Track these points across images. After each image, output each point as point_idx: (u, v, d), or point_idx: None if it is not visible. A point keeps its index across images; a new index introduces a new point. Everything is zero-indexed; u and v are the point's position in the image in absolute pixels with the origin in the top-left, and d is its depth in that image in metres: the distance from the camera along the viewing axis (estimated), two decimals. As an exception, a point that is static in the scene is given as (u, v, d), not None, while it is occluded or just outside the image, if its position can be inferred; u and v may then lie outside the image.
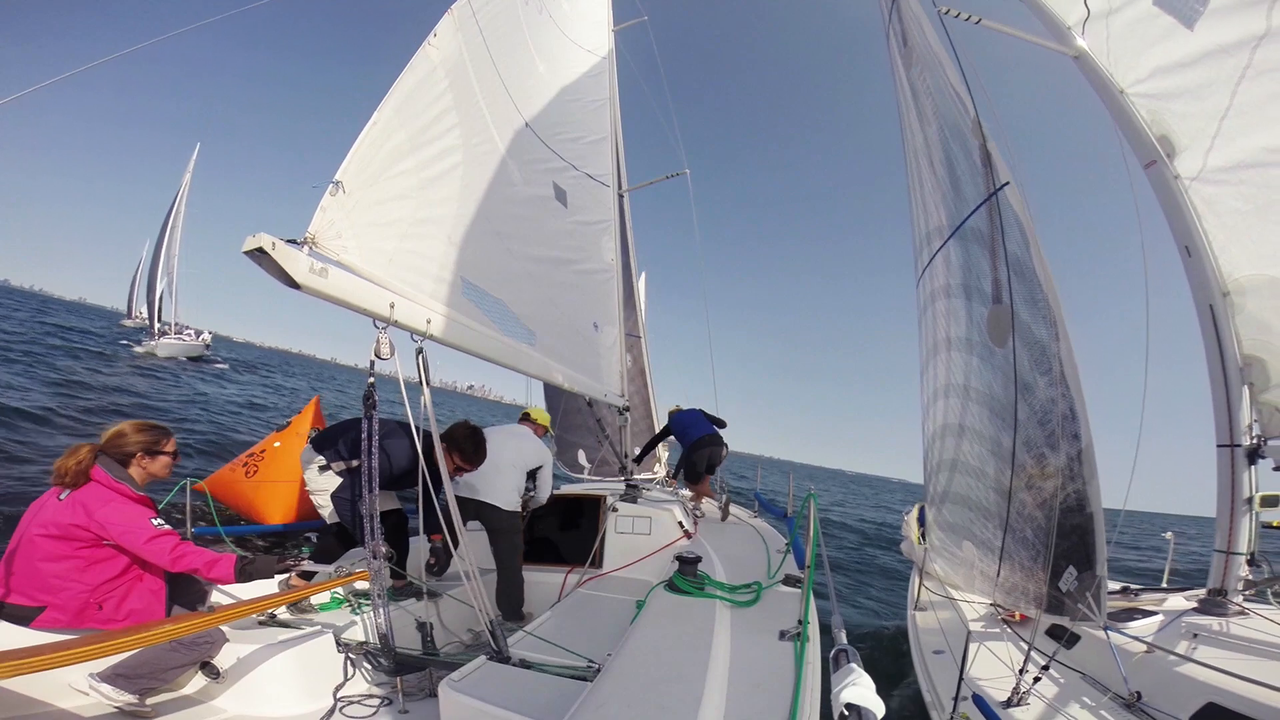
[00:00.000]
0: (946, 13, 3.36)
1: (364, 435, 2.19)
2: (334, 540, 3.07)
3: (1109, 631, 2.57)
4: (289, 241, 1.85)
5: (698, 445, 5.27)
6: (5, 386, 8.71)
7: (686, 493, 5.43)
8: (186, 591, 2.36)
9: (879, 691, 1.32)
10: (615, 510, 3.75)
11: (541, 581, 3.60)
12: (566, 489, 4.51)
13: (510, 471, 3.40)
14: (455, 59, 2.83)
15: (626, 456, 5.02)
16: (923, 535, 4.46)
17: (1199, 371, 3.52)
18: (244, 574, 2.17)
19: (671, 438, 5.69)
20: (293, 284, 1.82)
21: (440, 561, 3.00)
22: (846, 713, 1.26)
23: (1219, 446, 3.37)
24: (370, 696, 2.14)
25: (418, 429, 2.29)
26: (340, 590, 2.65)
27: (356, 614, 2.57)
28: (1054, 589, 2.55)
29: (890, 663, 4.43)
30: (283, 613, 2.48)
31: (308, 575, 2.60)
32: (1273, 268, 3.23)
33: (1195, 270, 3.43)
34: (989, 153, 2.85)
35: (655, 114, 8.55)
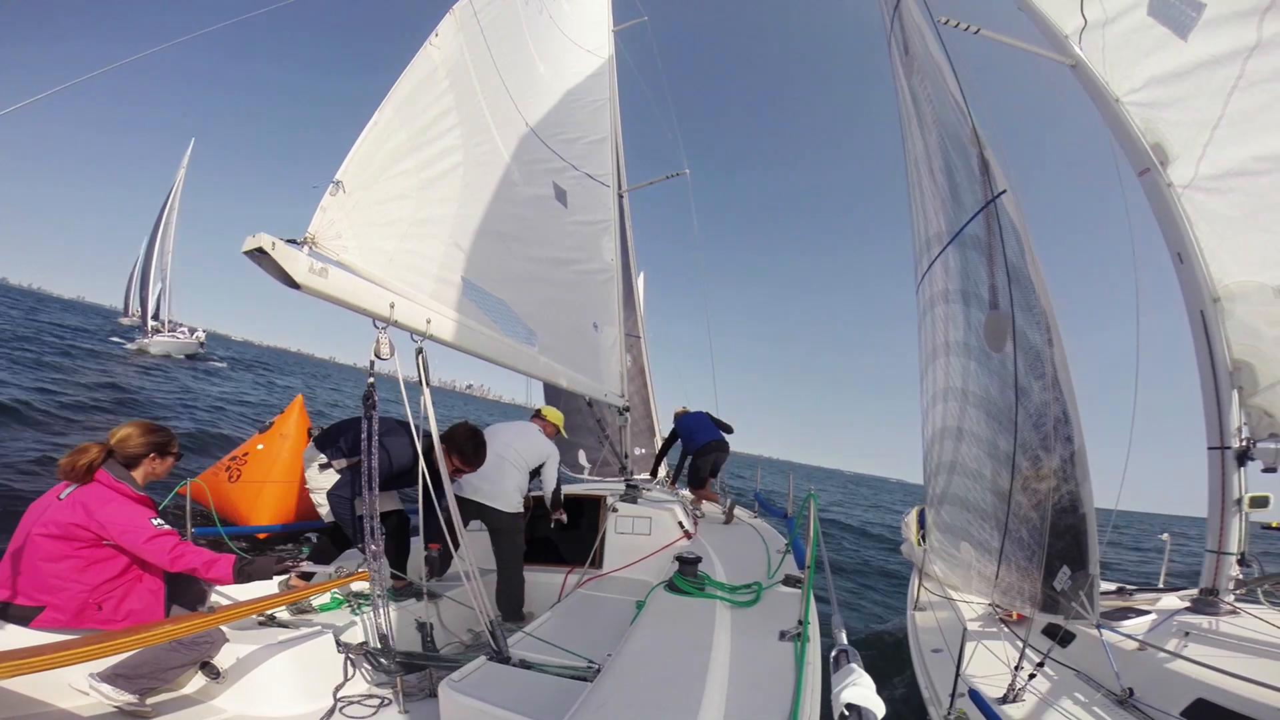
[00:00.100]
0: (945, 23, 3.45)
1: (364, 435, 2.19)
2: (331, 541, 3.07)
3: (1102, 629, 2.62)
4: (289, 241, 1.85)
5: (704, 450, 5.27)
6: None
7: (687, 493, 5.43)
8: (185, 592, 2.36)
9: (879, 689, 1.32)
10: (615, 510, 3.75)
11: (541, 582, 3.60)
12: (567, 489, 4.51)
13: (512, 471, 3.39)
14: (456, 59, 2.83)
15: (627, 457, 5.02)
16: (922, 537, 4.49)
17: (1194, 375, 3.59)
18: (243, 574, 2.17)
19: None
20: (293, 284, 1.82)
21: (434, 568, 2.97)
22: (847, 713, 1.26)
23: (1209, 449, 3.45)
24: (370, 696, 2.14)
25: (417, 428, 2.29)
26: (340, 590, 2.65)
27: (356, 614, 2.56)
28: (1049, 588, 2.60)
29: (890, 662, 4.44)
30: (282, 613, 2.48)
31: (307, 576, 2.60)
32: (1260, 274, 3.30)
33: (1187, 276, 3.51)
34: (987, 161, 2.90)
35: (655, 114, 8.56)
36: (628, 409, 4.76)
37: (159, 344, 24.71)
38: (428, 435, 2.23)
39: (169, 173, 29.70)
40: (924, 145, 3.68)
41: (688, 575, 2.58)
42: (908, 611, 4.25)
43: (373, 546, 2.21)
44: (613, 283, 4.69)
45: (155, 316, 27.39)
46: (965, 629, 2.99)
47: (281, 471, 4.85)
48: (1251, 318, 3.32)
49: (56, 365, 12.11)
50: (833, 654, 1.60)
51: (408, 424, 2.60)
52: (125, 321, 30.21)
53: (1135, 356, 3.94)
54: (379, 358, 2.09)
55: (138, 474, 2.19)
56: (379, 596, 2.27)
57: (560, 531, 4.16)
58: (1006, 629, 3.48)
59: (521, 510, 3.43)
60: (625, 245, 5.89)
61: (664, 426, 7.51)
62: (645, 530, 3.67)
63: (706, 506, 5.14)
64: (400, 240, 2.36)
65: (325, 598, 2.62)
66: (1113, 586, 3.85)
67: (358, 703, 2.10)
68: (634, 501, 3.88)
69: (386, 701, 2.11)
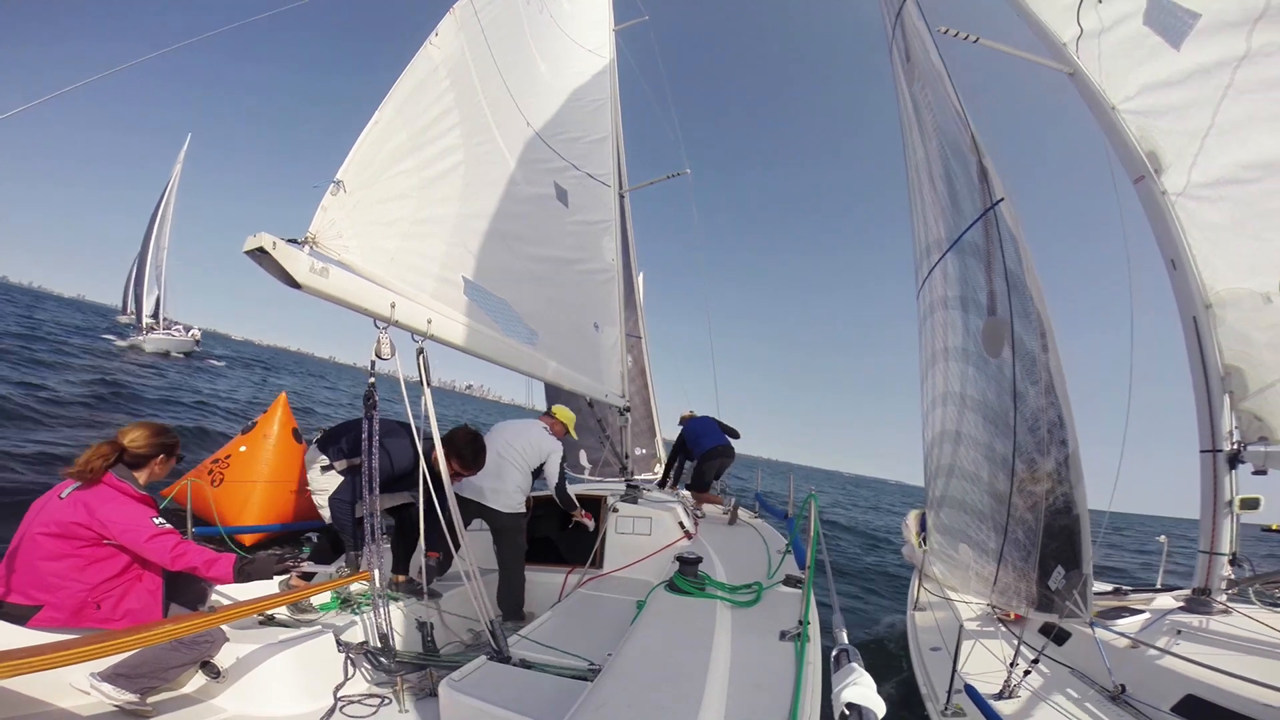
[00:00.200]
0: (944, 32, 3.52)
1: (364, 435, 2.19)
2: (332, 542, 3.06)
3: (1095, 628, 2.70)
4: (290, 241, 1.85)
5: (710, 455, 5.27)
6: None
7: (687, 494, 5.43)
8: (185, 591, 2.36)
9: (879, 688, 1.32)
10: (616, 510, 3.75)
11: (542, 581, 3.59)
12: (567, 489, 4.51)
13: (512, 471, 3.39)
14: (457, 58, 2.83)
15: (627, 457, 5.02)
16: (922, 539, 4.52)
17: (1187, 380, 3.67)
18: (243, 574, 2.17)
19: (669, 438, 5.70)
20: (293, 284, 1.83)
21: (432, 576, 2.96)
22: (847, 712, 1.26)
23: (1202, 452, 3.53)
24: (370, 696, 2.14)
25: (418, 429, 2.29)
26: (340, 590, 2.65)
27: (356, 614, 2.56)
28: (1044, 588, 2.66)
29: (890, 661, 4.47)
30: (283, 613, 2.48)
31: (307, 576, 2.60)
32: (1249, 281, 3.37)
33: (1180, 283, 3.58)
34: (985, 169, 2.95)
35: (656, 114, 8.55)
36: (629, 409, 4.76)
37: (154, 341, 24.40)
38: (428, 437, 2.22)
39: (170, 171, 29.30)
40: (925, 152, 3.72)
41: (688, 575, 2.58)
42: (908, 612, 4.31)
43: (372, 546, 2.21)
44: (613, 283, 4.69)
45: (153, 315, 27.10)
46: (962, 627, 3.05)
47: (266, 473, 4.74)
48: (1242, 324, 3.39)
49: (44, 361, 12.02)
50: (833, 654, 1.60)
51: (409, 426, 2.59)
52: (123, 320, 29.99)
53: (1129, 361, 4.03)
54: (380, 358, 2.09)
55: (141, 474, 2.20)
56: (379, 596, 2.27)
57: (560, 531, 4.15)
58: (1004, 628, 3.54)
59: (523, 510, 3.43)
60: (626, 245, 5.89)
61: (665, 427, 7.50)
62: (646, 530, 3.66)
63: (708, 508, 5.14)
64: (401, 240, 2.36)
65: (325, 598, 2.62)
66: (1109, 587, 3.92)
67: (358, 702, 2.10)
68: (634, 501, 3.88)
69: (386, 701, 2.11)
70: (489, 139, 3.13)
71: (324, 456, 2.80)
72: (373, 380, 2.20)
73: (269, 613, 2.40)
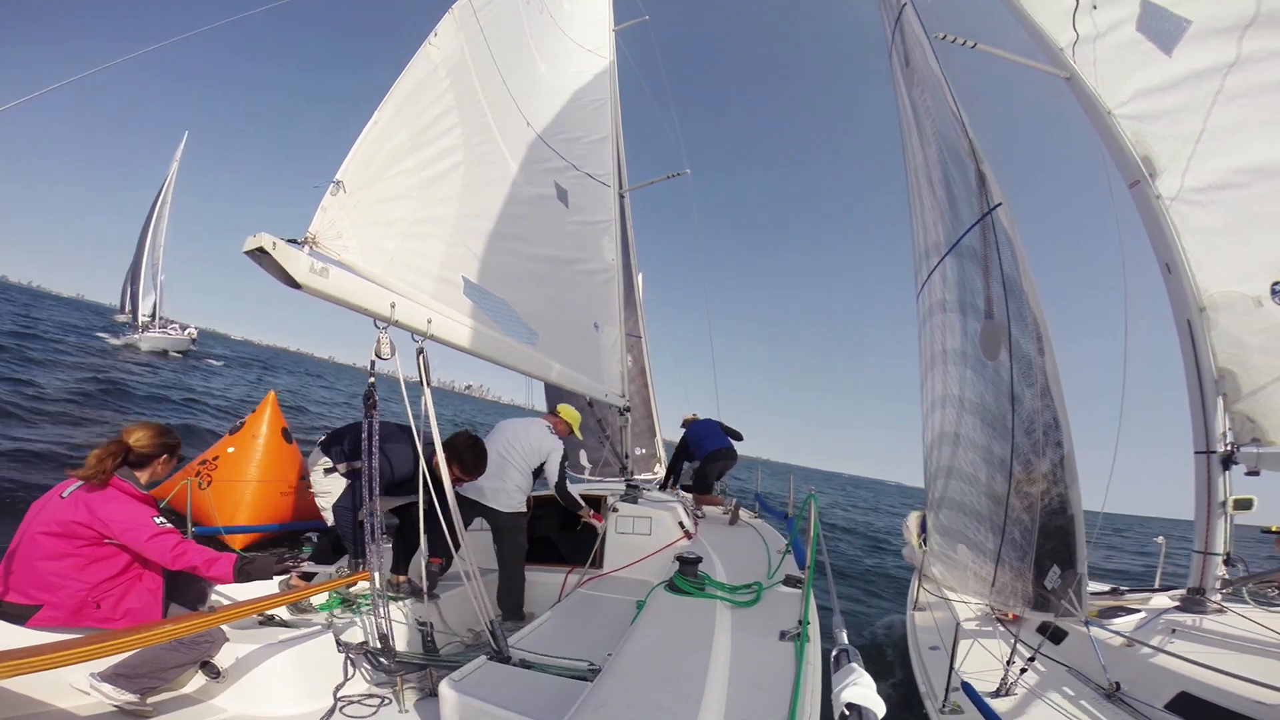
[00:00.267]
0: (942, 38, 3.57)
1: (364, 435, 2.19)
2: (333, 543, 3.06)
3: (1090, 626, 2.74)
4: (290, 241, 1.85)
5: (712, 458, 5.27)
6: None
7: (688, 495, 5.43)
8: (185, 591, 2.36)
9: (879, 686, 1.33)
10: (616, 510, 3.75)
11: (542, 581, 3.60)
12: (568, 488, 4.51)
13: (513, 471, 3.39)
14: (456, 58, 2.83)
15: (627, 457, 5.01)
16: (923, 541, 4.55)
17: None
18: (243, 574, 2.17)
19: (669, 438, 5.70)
20: (293, 284, 1.82)
21: (435, 581, 2.96)
22: (847, 712, 1.26)
23: (1196, 453, 3.59)
24: (370, 696, 2.14)
25: (418, 430, 2.28)
26: (340, 590, 2.65)
27: (356, 614, 2.57)
28: (1040, 587, 2.69)
29: (890, 660, 4.49)
30: (283, 613, 2.48)
31: (308, 576, 2.60)
32: (1241, 285, 3.42)
33: (1175, 286, 3.63)
34: (983, 174, 2.99)
35: (656, 114, 8.55)
36: (628, 409, 4.76)
37: (149, 340, 24.15)
38: (429, 440, 2.22)
39: (167, 169, 29.04)
40: (924, 157, 3.76)
41: (688, 575, 2.58)
42: (908, 612, 4.36)
43: (372, 546, 2.21)
44: (613, 282, 4.69)
45: (150, 314, 26.79)
46: (959, 625, 3.08)
47: (256, 474, 4.67)
48: (1234, 327, 3.45)
49: (35, 359, 11.93)
50: (833, 654, 1.60)
51: (409, 430, 2.58)
52: (121, 319, 29.74)
53: (1123, 363, 4.09)
54: (380, 358, 2.09)
55: (143, 474, 2.21)
56: (379, 596, 2.27)
57: (560, 531, 4.15)
58: (1002, 628, 3.58)
59: (523, 510, 3.43)
60: (626, 245, 5.89)
61: (665, 427, 7.49)
62: (646, 530, 3.66)
63: (709, 508, 5.14)
64: (401, 240, 2.36)
65: (325, 598, 2.62)
66: (1106, 587, 3.98)
67: (358, 702, 2.10)
68: (634, 501, 3.88)
69: (386, 701, 2.11)
70: (489, 139, 3.13)
71: (327, 458, 2.80)
72: (373, 380, 2.20)
73: (269, 613, 2.40)
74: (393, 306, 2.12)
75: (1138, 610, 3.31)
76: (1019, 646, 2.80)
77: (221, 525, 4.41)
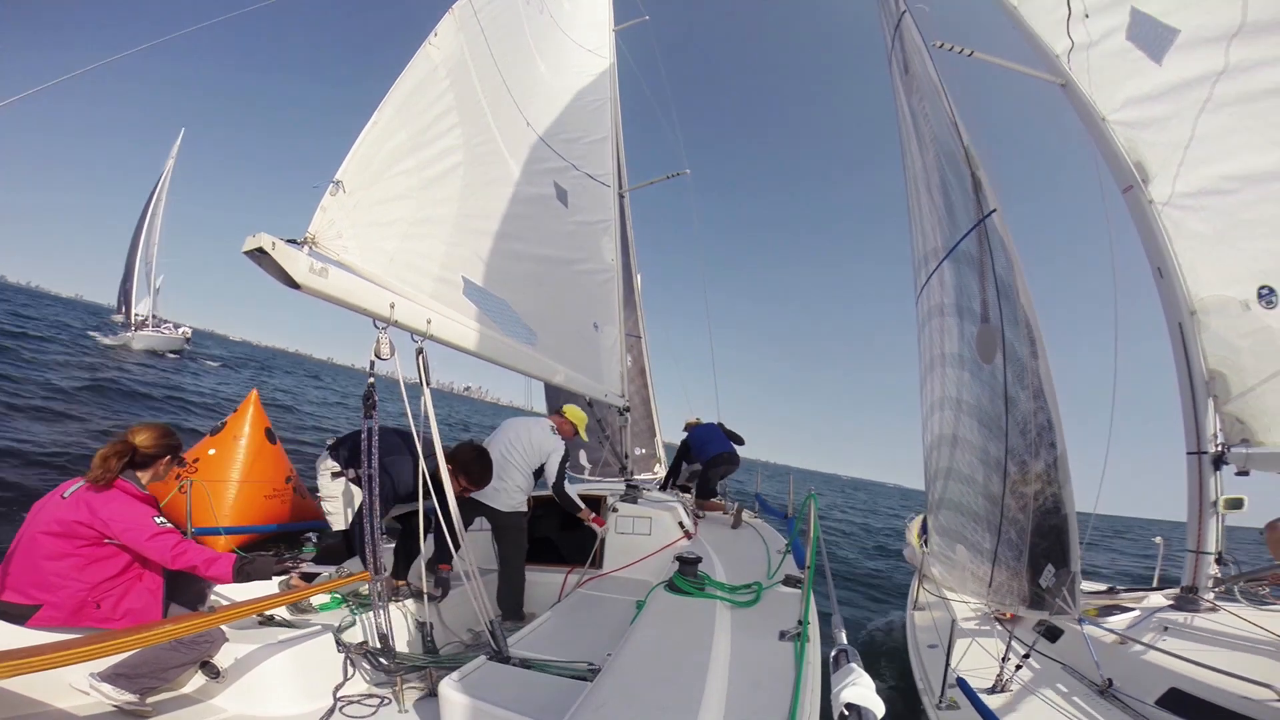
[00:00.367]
0: (939, 46, 3.64)
1: (364, 436, 2.19)
2: (340, 544, 3.06)
3: (1084, 624, 2.79)
4: (289, 241, 1.85)
5: (715, 462, 5.27)
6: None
7: (688, 495, 5.43)
8: (185, 591, 2.36)
9: (878, 685, 1.33)
10: (616, 510, 3.75)
11: (542, 581, 3.60)
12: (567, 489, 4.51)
13: (514, 471, 3.39)
14: (456, 59, 2.83)
15: (627, 457, 5.01)
16: (923, 541, 4.59)
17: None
18: (242, 574, 2.17)
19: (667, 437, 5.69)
20: (293, 284, 1.82)
21: (447, 589, 2.96)
22: (847, 712, 1.26)
23: (1188, 454, 3.66)
24: (370, 696, 2.14)
25: (417, 431, 2.28)
26: (340, 590, 2.65)
27: (356, 614, 2.57)
28: (1035, 585, 2.75)
29: (889, 659, 4.52)
30: (283, 613, 2.48)
31: (309, 576, 2.60)
32: (1230, 289, 3.48)
33: (1166, 290, 3.69)
34: (979, 180, 3.05)
35: (656, 114, 8.56)
36: (628, 409, 4.76)
37: (142, 339, 23.60)
38: (429, 441, 2.22)
39: (162, 166, 28.63)
40: (923, 163, 3.81)
41: (688, 575, 2.58)
42: (907, 611, 4.41)
43: (374, 558, 2.20)
44: (613, 283, 4.70)
45: (146, 314, 26.39)
46: (955, 624, 3.13)
47: (239, 476, 4.59)
48: (1224, 330, 3.51)
49: (23, 358, 11.73)
50: (833, 654, 1.60)
51: (411, 442, 2.56)
52: (117, 318, 29.44)
53: (1113, 365, 4.16)
54: (379, 358, 2.09)
55: (145, 475, 2.21)
56: (379, 596, 2.27)
57: (560, 531, 4.14)
58: (1000, 627, 3.62)
59: (524, 509, 3.43)
60: (626, 245, 5.89)
61: (665, 427, 7.49)
62: (645, 530, 3.67)
63: (712, 514, 5.11)
64: (401, 240, 2.36)
65: (325, 598, 2.62)
66: (1103, 586, 4.03)
67: (358, 702, 2.10)
68: (634, 501, 3.88)
69: (386, 701, 2.12)
70: (489, 139, 3.13)
71: (333, 463, 2.80)
72: (372, 380, 2.20)
73: (269, 613, 2.40)
74: (392, 307, 2.12)
75: (1132, 609, 3.36)
76: (1014, 644, 2.85)
77: (205, 527, 4.28)
